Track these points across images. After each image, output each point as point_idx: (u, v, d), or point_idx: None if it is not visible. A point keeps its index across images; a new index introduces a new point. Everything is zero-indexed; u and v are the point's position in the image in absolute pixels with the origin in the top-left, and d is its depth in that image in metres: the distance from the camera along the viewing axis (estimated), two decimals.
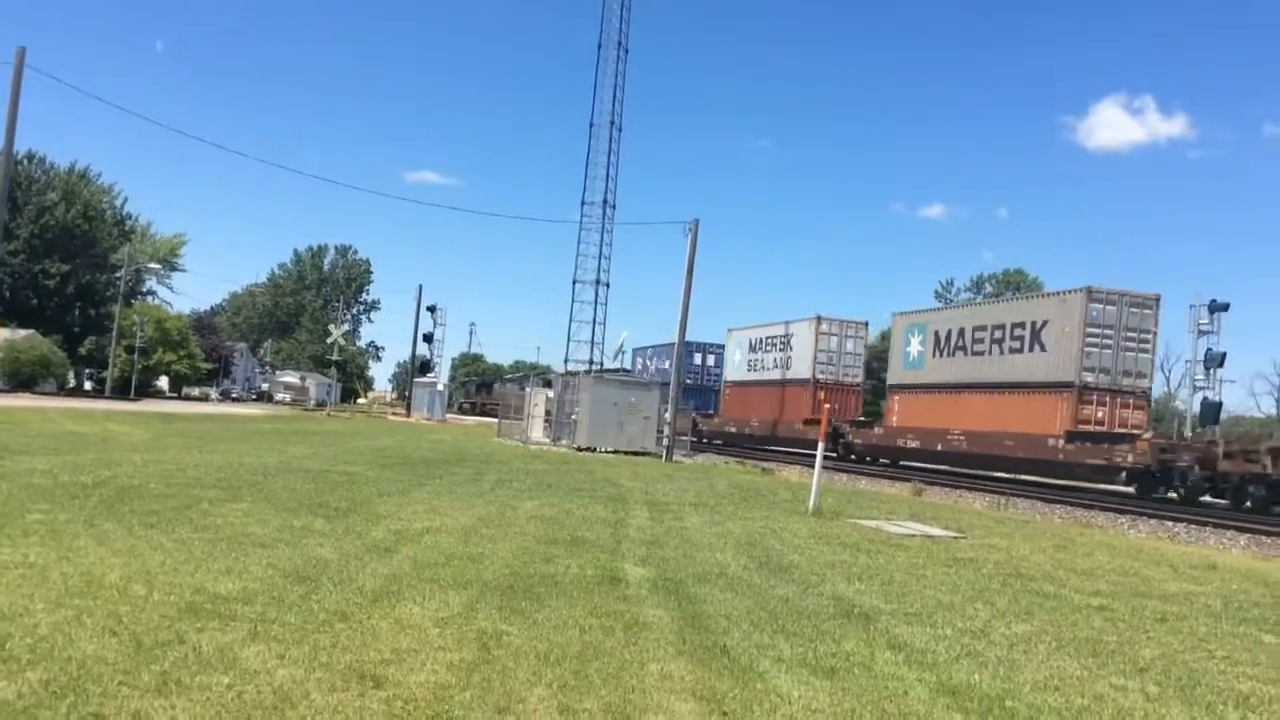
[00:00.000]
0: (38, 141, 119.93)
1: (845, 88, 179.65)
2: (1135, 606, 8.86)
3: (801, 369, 41.62)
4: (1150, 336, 28.63)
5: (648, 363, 62.62)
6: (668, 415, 34.82)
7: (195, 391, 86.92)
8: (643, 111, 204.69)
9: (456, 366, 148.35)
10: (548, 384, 46.64)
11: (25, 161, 77.62)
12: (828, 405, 16.79)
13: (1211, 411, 42.50)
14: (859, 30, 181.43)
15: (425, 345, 76.81)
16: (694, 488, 19.47)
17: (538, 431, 39.12)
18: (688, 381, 49.26)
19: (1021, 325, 30.33)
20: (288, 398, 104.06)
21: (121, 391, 69.21)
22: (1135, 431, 27.10)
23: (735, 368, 49.51)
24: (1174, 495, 25.26)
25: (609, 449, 33.59)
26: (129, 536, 8.32)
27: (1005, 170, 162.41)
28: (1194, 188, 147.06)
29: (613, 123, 77.77)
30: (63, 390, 64.41)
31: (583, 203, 78.66)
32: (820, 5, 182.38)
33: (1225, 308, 44.42)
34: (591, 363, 73.04)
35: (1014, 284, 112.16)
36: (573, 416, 35.71)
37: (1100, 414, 27.89)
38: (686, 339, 53.80)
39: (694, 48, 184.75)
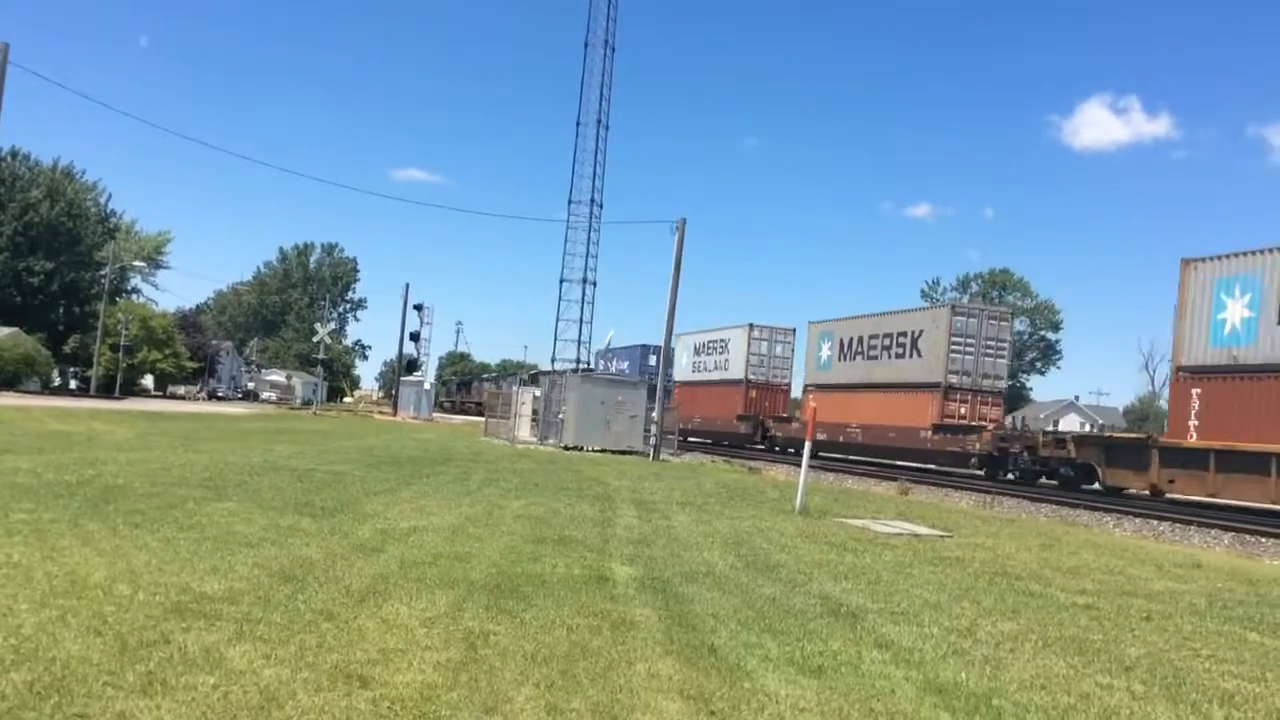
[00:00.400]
0: (21, 138, 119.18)
1: (833, 87, 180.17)
2: (1121, 605, 8.90)
3: (736, 371, 46.28)
4: (1006, 345, 34.32)
5: (608, 365, 62.87)
6: (654, 414, 34.86)
7: (181, 390, 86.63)
8: (630, 110, 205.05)
9: (443, 365, 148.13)
10: (533, 380, 46.65)
11: (9, 158, 77.28)
12: (813, 406, 16.82)
13: None
14: (847, 30, 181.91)
15: (412, 344, 76.77)
16: (681, 486, 19.48)
17: (525, 430, 39.08)
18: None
19: (905, 334, 35.02)
20: (273, 397, 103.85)
21: (106, 390, 68.95)
22: (988, 424, 32.10)
23: (683, 369, 52.73)
24: (1011, 476, 29.93)
25: (596, 448, 33.58)
26: (114, 536, 8.28)
27: (991, 169, 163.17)
28: (1178, 187, 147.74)
29: (600, 121, 78.03)
30: (47, 389, 64.12)
31: (570, 201, 78.88)
32: (808, 5, 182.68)
33: None
34: (579, 361, 73.04)
35: (1000, 284, 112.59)
36: (560, 415, 35.69)
37: (963, 410, 32.95)
38: (643, 342, 55.73)
39: (681, 46, 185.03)
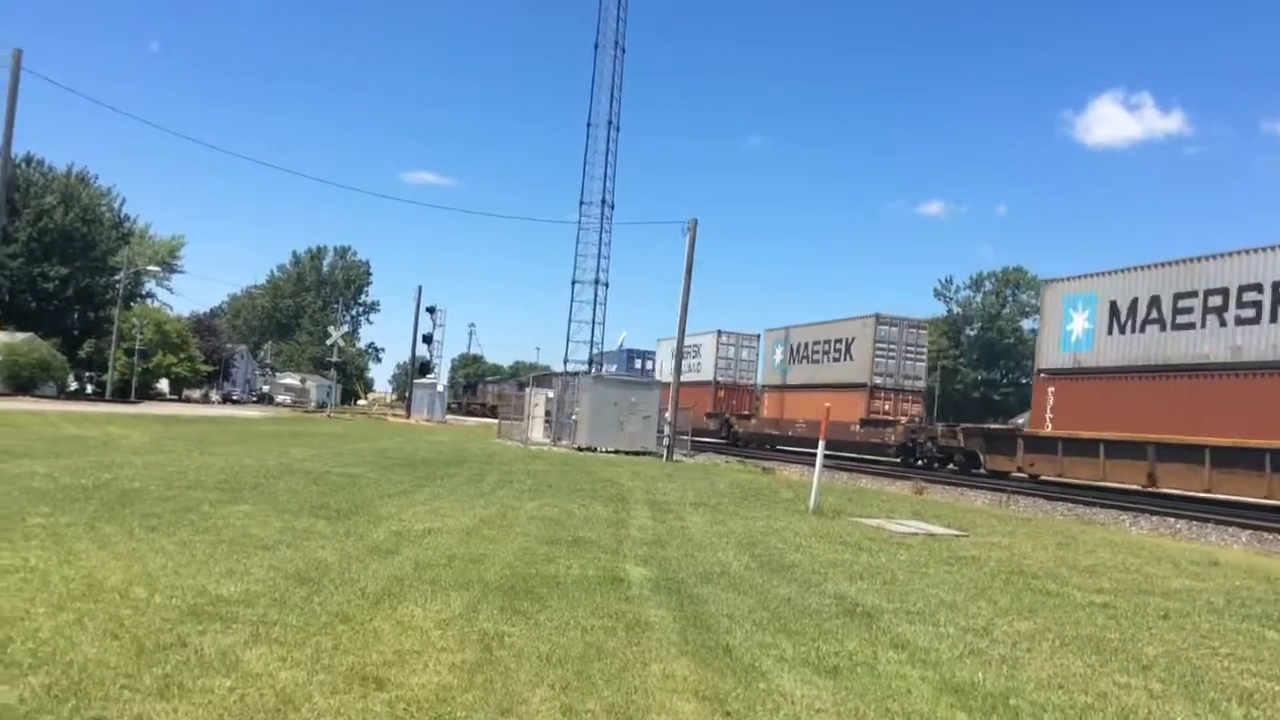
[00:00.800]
0: (35, 145, 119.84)
1: (843, 86, 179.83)
2: (1138, 603, 8.85)
3: (706, 372, 49.71)
4: (923, 350, 39.34)
5: (599, 369, 63.13)
6: (668, 415, 34.87)
7: (195, 394, 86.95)
8: (639, 110, 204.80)
9: (456, 368, 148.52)
10: (544, 382, 46.77)
11: (23, 165, 77.61)
12: (827, 406, 16.80)
13: None
14: (856, 28, 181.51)
15: (425, 346, 76.83)
16: (695, 487, 19.47)
17: (538, 432, 39.11)
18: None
19: (841, 341, 39.78)
20: (288, 400, 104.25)
21: (121, 394, 69.26)
22: (903, 419, 36.29)
23: (665, 373, 55.14)
24: (920, 463, 34.07)
25: (609, 449, 33.58)
26: (130, 539, 8.32)
27: (1004, 166, 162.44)
28: (1191, 183, 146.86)
29: (610, 122, 77.95)
30: (63, 393, 64.42)
31: (581, 203, 78.84)
32: (811, 4, 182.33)
33: None
34: (590, 362, 73.07)
35: (1013, 281, 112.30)
36: (573, 417, 35.70)
37: (886, 406, 37.58)
38: (630, 347, 58.42)
39: (689, 46, 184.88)
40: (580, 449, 33.44)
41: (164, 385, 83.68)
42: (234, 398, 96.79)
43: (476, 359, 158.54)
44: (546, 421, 39.14)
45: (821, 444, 16.76)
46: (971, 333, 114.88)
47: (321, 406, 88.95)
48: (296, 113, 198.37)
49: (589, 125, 78.58)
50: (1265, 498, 21.63)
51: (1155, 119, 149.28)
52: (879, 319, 37.94)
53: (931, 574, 9.76)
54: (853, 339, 38.85)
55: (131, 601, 6.08)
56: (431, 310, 76.01)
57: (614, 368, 57.90)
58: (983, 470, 30.78)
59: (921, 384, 39.35)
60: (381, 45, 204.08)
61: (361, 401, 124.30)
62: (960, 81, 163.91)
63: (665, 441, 33.64)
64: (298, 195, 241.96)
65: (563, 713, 4.61)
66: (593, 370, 65.30)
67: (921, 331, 39.62)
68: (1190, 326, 23.92)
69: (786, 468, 32.19)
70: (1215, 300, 23.30)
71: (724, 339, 49.51)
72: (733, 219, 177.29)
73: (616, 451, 33.20)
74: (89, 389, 76.55)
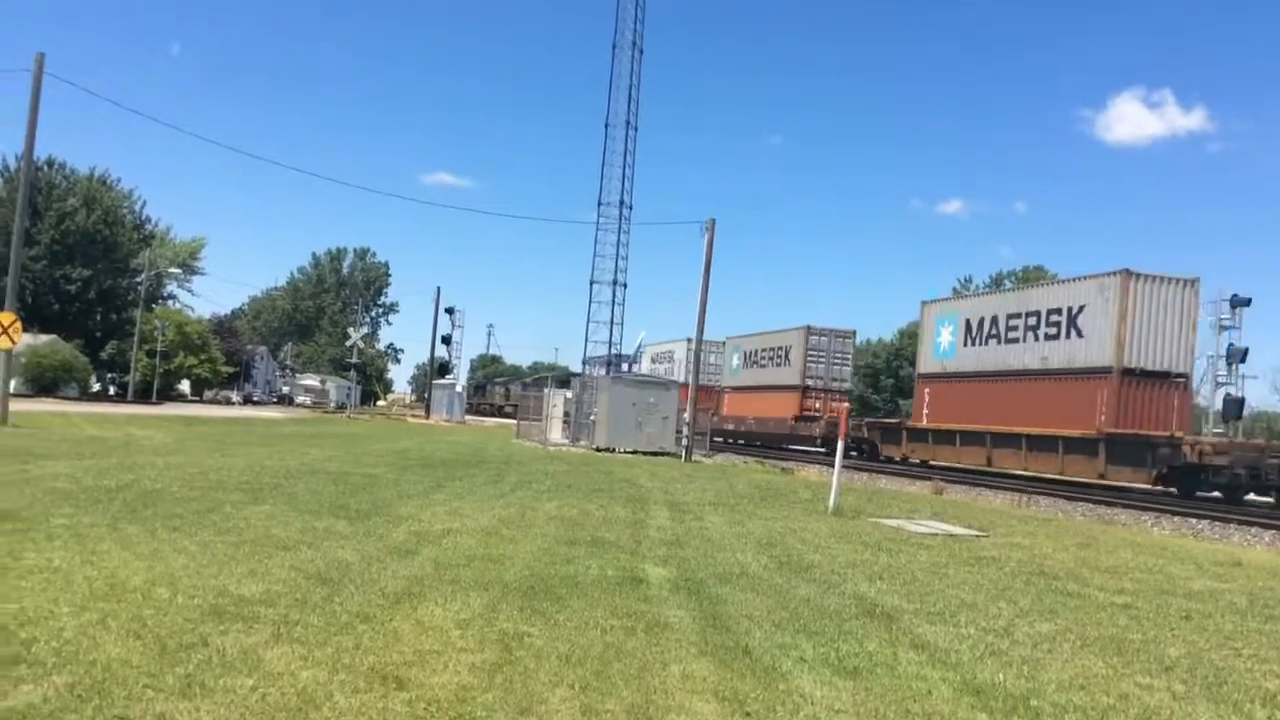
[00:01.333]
0: (56, 147, 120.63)
1: (860, 84, 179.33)
2: (1160, 604, 8.80)
3: (679, 375, 53.22)
4: (849, 356, 45.99)
5: (593, 372, 63.41)
6: (686, 415, 34.87)
7: (216, 395, 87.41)
8: (655, 109, 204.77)
9: (475, 368, 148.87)
10: (563, 384, 46.90)
11: (45, 168, 78.27)
12: (847, 406, 16.78)
13: (1234, 407, 42.05)
14: (872, 26, 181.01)
15: (444, 347, 77.03)
16: (713, 488, 19.46)
17: (556, 433, 39.14)
18: None
19: (780, 349, 46.22)
20: (308, 400, 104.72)
21: (143, 395, 69.72)
22: (824, 416, 41.56)
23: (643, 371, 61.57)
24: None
25: (628, 449, 33.58)
26: (152, 540, 8.37)
27: (1023, 164, 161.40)
28: (1214, 181, 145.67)
29: (628, 123, 77.76)
30: (85, 395, 64.93)
31: (599, 203, 78.74)
32: (837, 1, 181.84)
33: (1247, 302, 43.93)
34: (609, 363, 73.05)
35: (1033, 280, 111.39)
36: (591, 417, 35.72)
37: (818, 405, 43.53)
38: (621, 352, 61.10)
39: (706, 45, 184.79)
40: (599, 449, 33.46)
41: (185, 386, 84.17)
42: (254, 399, 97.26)
43: (495, 359, 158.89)
44: (565, 422, 39.18)
45: (841, 445, 16.71)
46: None
47: (341, 407, 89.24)
48: (317, 115, 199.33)
49: (607, 126, 78.43)
50: (1059, 474, 28.07)
51: (1177, 116, 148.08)
52: (810, 330, 44.14)
53: (952, 575, 9.72)
54: (790, 347, 45.01)
55: (154, 601, 6.12)
56: (450, 311, 76.28)
57: (602, 372, 58.80)
58: (881, 457, 37.07)
59: (848, 385, 45.93)
60: (401, 47, 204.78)
61: (381, 402, 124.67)
62: (979, 80, 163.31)
63: (684, 442, 33.66)
64: (317, 197, 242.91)
65: (582, 713, 4.62)
66: (587, 371, 65.47)
67: (848, 340, 45.84)
68: (1017, 341, 30.61)
69: (806, 468, 32.14)
70: (1032, 321, 29.97)
71: (692, 346, 51.52)
72: (752, 218, 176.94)
73: (635, 452, 33.19)
74: (111, 390, 77.13)
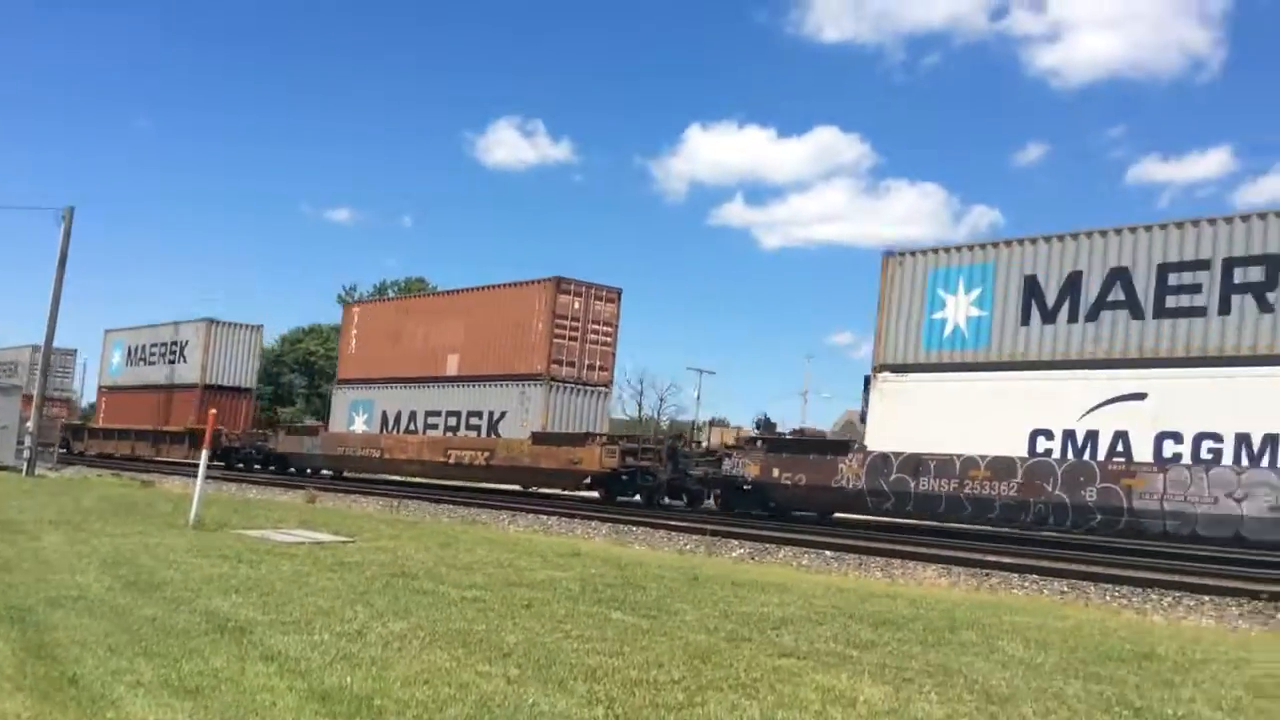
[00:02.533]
0: None
1: (248, 82, 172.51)
2: (506, 595, 9.47)
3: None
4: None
5: None
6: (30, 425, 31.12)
7: None
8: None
9: None
10: None
11: None
12: (213, 412, 15.98)
13: None
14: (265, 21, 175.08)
15: None
16: (56, 503, 17.49)
17: None
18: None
19: (178, 344, 43.99)
20: None
21: None
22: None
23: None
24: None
25: None
26: None
27: (409, 180, 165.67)
28: (582, 206, 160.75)
29: None
30: None
31: None
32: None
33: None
34: None
35: (415, 290, 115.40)
36: None
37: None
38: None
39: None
40: None
41: None
42: None
43: None
44: None
45: (205, 454, 15.90)
46: None
47: None
48: None
49: None
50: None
51: (547, 146, 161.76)
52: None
53: (313, 582, 9.63)
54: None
55: None
56: None
57: None
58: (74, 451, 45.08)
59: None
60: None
61: None
62: (372, 93, 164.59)
63: (25, 454, 30.00)
64: None
65: None
66: None
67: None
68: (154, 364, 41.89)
69: (169, 480, 30.19)
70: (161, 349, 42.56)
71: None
72: (127, 210, 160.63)
73: None
74: None
